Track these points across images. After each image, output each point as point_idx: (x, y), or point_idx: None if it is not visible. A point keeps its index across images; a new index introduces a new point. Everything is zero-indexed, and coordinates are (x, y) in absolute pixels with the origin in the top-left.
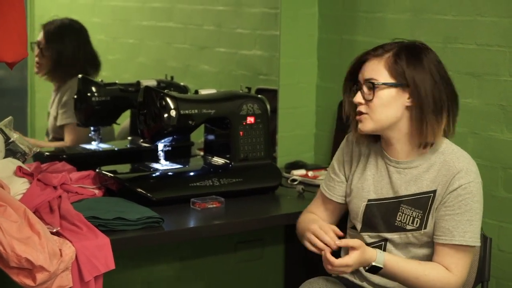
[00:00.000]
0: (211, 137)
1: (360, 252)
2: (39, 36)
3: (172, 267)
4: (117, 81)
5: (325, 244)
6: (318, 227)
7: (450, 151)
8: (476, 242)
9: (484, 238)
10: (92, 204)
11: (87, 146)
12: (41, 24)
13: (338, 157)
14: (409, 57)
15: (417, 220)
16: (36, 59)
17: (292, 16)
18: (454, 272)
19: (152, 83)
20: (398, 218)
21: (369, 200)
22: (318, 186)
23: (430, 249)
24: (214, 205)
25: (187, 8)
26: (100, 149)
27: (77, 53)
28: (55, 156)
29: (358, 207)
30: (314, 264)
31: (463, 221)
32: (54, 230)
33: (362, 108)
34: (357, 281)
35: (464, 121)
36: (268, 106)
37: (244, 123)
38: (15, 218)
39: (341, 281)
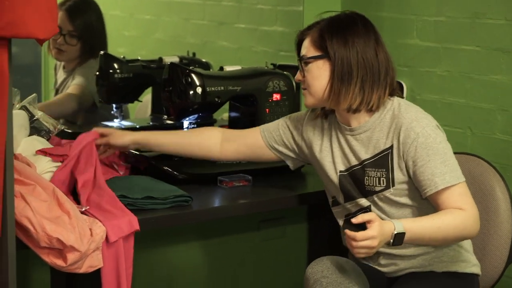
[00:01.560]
0: (236, 114)
1: (379, 222)
2: (63, 23)
3: (195, 246)
4: (139, 57)
5: None
6: None
7: (397, 106)
8: (459, 178)
9: None
10: (120, 182)
11: (110, 123)
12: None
13: (294, 124)
14: (330, 29)
15: (383, 179)
16: (58, 45)
17: None
18: (465, 207)
19: (174, 59)
20: (366, 183)
21: (340, 172)
22: None
23: (413, 201)
24: (241, 184)
25: None
26: (123, 127)
27: (101, 28)
28: (77, 134)
29: (334, 180)
30: (337, 242)
31: (437, 165)
32: (83, 209)
33: (302, 85)
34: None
35: (492, 97)
36: (294, 83)
37: (270, 100)
38: (45, 197)
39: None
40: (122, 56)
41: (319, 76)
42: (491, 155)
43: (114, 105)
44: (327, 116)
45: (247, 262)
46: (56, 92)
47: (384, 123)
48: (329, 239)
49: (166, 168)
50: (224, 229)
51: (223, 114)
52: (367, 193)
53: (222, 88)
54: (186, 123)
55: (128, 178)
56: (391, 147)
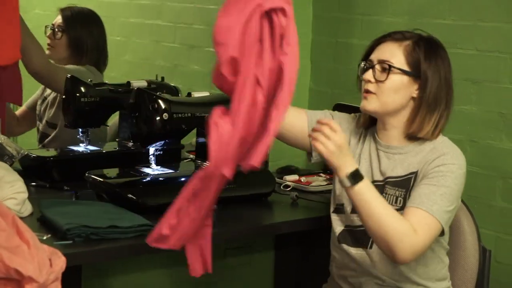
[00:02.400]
0: (203, 140)
1: (345, 139)
2: (57, 19)
3: (160, 275)
4: (106, 81)
5: None
6: None
7: (440, 141)
8: (441, 219)
9: (483, 250)
10: (82, 210)
11: (75, 148)
12: (58, 8)
13: (347, 124)
14: (428, 50)
15: (400, 200)
16: (49, 41)
17: None
18: (418, 232)
19: (142, 84)
20: None
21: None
22: (311, 192)
23: None
24: None
25: (177, 6)
26: (88, 151)
27: (94, 43)
28: (42, 158)
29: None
30: (304, 273)
31: (436, 193)
32: (44, 238)
33: (371, 87)
34: None
35: (462, 128)
36: None
37: None
38: (3, 226)
39: None
40: (89, 80)
41: (399, 90)
42: None
43: (80, 130)
44: (368, 127)
45: None
46: (44, 100)
47: (422, 152)
48: (296, 268)
49: (130, 196)
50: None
51: (193, 139)
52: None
53: (189, 114)
54: (152, 150)
55: (88, 205)
56: (417, 172)
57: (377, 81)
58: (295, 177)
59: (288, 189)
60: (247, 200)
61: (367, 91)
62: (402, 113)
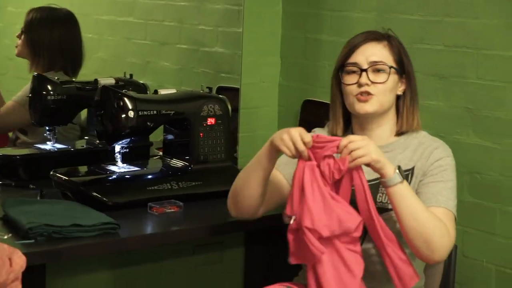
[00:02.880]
0: (170, 137)
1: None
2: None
3: (127, 272)
4: (74, 79)
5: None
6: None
7: (423, 135)
8: (456, 212)
9: None
10: (45, 209)
11: (42, 146)
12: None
13: None
14: (401, 46)
15: None
16: (18, 40)
17: (255, 13)
18: (449, 230)
19: (110, 81)
20: (379, 199)
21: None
22: None
23: None
24: (172, 210)
25: (148, 2)
26: (55, 150)
27: (56, 47)
28: (8, 157)
29: None
30: (274, 269)
31: (446, 188)
32: (5, 237)
33: (370, 89)
34: None
35: (429, 123)
36: (229, 107)
37: (204, 124)
38: None
39: None
40: (56, 78)
41: (393, 89)
42: None
43: (47, 128)
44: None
45: None
46: None
47: (409, 146)
48: (267, 264)
49: (95, 194)
50: (157, 254)
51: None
52: (378, 210)
53: (155, 112)
54: (118, 147)
55: (52, 203)
56: (413, 168)
57: (374, 82)
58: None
59: None
60: (214, 197)
61: (367, 93)
62: (389, 111)
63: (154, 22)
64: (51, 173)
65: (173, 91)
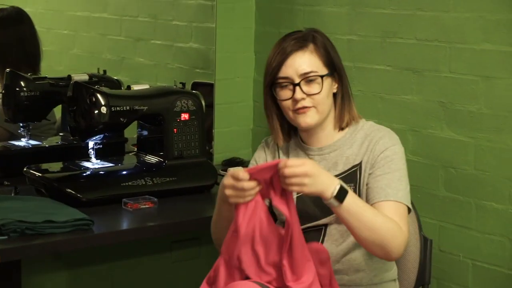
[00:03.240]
0: (144, 133)
1: (313, 163)
2: None
3: (104, 269)
4: (47, 75)
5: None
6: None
7: (368, 126)
8: (408, 202)
9: (424, 240)
10: (18, 205)
11: (16, 143)
12: None
13: (260, 157)
14: (330, 45)
15: None
16: None
17: (228, 8)
18: (400, 225)
19: (83, 77)
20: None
21: (298, 192)
22: None
23: None
24: (146, 206)
25: None
26: (30, 146)
27: (10, 46)
28: None
29: None
30: None
31: (394, 179)
32: None
33: (306, 103)
34: None
35: (403, 118)
36: (203, 102)
37: (178, 120)
38: None
39: None
40: (29, 74)
41: (329, 93)
42: None
43: (21, 124)
44: (281, 143)
45: (160, 284)
46: None
47: (355, 141)
48: None
49: (69, 190)
50: (134, 251)
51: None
52: (330, 211)
53: (128, 107)
54: (91, 143)
55: (27, 199)
56: (361, 162)
57: (309, 95)
58: (239, 168)
59: None
60: (189, 192)
61: (304, 107)
62: (330, 113)
63: (129, 18)
64: (25, 169)
65: (146, 86)
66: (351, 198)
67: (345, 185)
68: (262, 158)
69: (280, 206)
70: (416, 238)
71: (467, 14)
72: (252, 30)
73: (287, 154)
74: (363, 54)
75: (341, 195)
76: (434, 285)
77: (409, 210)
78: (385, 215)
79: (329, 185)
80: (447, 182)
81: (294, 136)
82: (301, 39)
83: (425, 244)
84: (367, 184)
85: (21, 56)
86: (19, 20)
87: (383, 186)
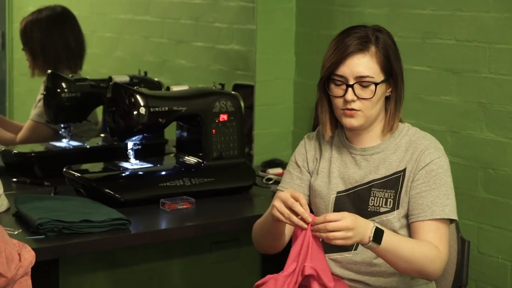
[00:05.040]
0: (183, 134)
1: (349, 214)
2: None
3: (142, 269)
4: (88, 77)
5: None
6: (288, 194)
7: (413, 132)
8: (455, 215)
9: (462, 241)
10: (57, 205)
11: (57, 144)
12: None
13: (300, 154)
14: (392, 49)
15: (390, 201)
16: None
17: (268, 10)
18: (440, 247)
19: (124, 79)
20: (371, 203)
21: (338, 192)
22: None
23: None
24: (184, 206)
25: (165, 1)
26: (71, 147)
27: (53, 45)
28: (23, 154)
29: (327, 202)
30: None
31: (440, 195)
32: (15, 233)
33: (355, 105)
34: None
35: (442, 119)
36: (242, 103)
37: (216, 121)
38: None
39: None
40: (70, 75)
41: (380, 99)
42: None
43: (62, 125)
44: (328, 136)
45: (199, 285)
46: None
47: (400, 146)
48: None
49: (107, 190)
50: (174, 251)
51: None
52: (368, 214)
53: (167, 108)
54: (130, 144)
55: (66, 199)
56: (404, 170)
57: (360, 98)
58: (278, 170)
59: (271, 182)
60: (227, 193)
61: (352, 109)
62: (378, 116)
63: (171, 21)
64: (64, 170)
65: (185, 87)
66: (387, 237)
67: (379, 226)
68: (301, 155)
69: None
70: (454, 240)
71: (506, 14)
72: (293, 32)
73: (329, 152)
74: (402, 55)
75: (377, 237)
76: (472, 287)
77: (453, 220)
78: (423, 243)
79: (366, 230)
80: (486, 183)
81: (339, 132)
82: (364, 40)
83: (463, 245)
84: (410, 198)
85: (64, 55)
86: (64, 20)
87: (429, 203)
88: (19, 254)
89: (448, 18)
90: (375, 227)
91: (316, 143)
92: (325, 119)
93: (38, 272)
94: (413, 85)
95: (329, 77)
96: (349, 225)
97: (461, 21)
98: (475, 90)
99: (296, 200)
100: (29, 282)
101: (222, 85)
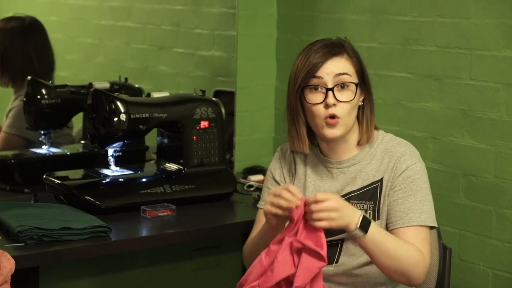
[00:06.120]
0: (164, 141)
1: (337, 197)
2: None
3: (123, 277)
4: (68, 83)
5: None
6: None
7: (388, 140)
8: (433, 222)
9: (443, 248)
10: (37, 212)
11: (37, 150)
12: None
13: (276, 169)
14: (359, 56)
15: (370, 212)
16: None
17: (250, 16)
18: (423, 252)
19: (104, 85)
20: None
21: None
22: None
23: None
24: (165, 213)
25: (146, 7)
26: (51, 154)
27: (13, 59)
28: (3, 161)
29: None
30: None
31: (416, 202)
32: None
33: (336, 110)
34: None
35: (424, 125)
36: (223, 110)
37: (197, 128)
38: None
39: None
40: (50, 82)
41: (356, 105)
42: None
43: (42, 131)
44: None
45: None
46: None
47: (375, 155)
48: None
49: (87, 197)
50: (154, 259)
51: None
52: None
53: (147, 115)
54: (111, 151)
55: (45, 206)
56: (381, 179)
57: (340, 101)
58: (259, 177)
59: (252, 189)
60: (208, 200)
61: (333, 117)
62: (353, 126)
63: (152, 27)
64: (44, 176)
65: (166, 94)
66: (374, 228)
67: (367, 216)
68: (278, 171)
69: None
70: (435, 247)
71: (487, 21)
72: (274, 38)
73: (304, 165)
74: (384, 62)
75: (365, 225)
76: None
77: (433, 227)
78: (407, 243)
79: (354, 217)
80: (468, 190)
81: (312, 145)
82: (335, 46)
83: (445, 252)
84: (388, 205)
85: (25, 72)
86: (29, 34)
87: (406, 210)
88: None
89: (429, 24)
90: (362, 215)
91: (291, 157)
92: (303, 134)
93: (18, 280)
94: (394, 91)
95: (305, 85)
96: (333, 205)
97: (442, 28)
98: (456, 96)
99: (285, 188)
100: None
101: (203, 92)
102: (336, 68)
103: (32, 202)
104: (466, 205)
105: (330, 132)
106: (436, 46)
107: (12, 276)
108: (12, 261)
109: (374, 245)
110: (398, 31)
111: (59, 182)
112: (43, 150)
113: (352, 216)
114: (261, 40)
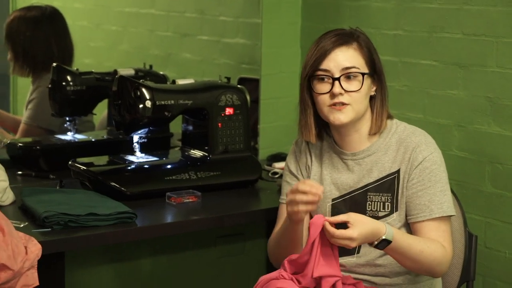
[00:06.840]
0: (189, 128)
1: (359, 224)
2: None
3: (148, 263)
4: (93, 70)
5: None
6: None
7: (402, 129)
8: (453, 211)
9: (469, 236)
10: (62, 198)
11: (62, 137)
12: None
13: (292, 163)
14: (373, 48)
15: (388, 204)
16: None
17: (274, 4)
18: (445, 245)
19: (129, 72)
20: (369, 208)
21: (333, 200)
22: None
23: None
24: (190, 200)
25: None
26: (76, 140)
27: (34, 49)
28: (29, 147)
29: (323, 210)
30: None
31: (436, 193)
32: (21, 226)
33: (343, 99)
34: None
35: (449, 113)
36: (248, 97)
37: (222, 114)
38: None
39: None
40: (76, 68)
41: (367, 94)
42: (447, 171)
43: (67, 118)
44: (319, 140)
45: (204, 279)
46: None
47: (390, 146)
48: None
49: (113, 184)
50: (178, 245)
51: None
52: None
53: (173, 101)
54: (136, 137)
55: (72, 192)
56: (398, 171)
57: (348, 91)
58: (284, 164)
59: (276, 176)
60: (233, 187)
61: (342, 104)
62: (365, 114)
63: (176, 14)
64: (70, 163)
65: (191, 81)
66: (397, 235)
67: (390, 228)
68: (293, 164)
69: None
70: (461, 234)
71: None
72: (298, 25)
73: (319, 158)
74: (409, 49)
75: (381, 245)
76: (479, 282)
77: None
78: (431, 243)
79: (375, 235)
80: (494, 177)
81: (327, 137)
82: (345, 36)
83: (470, 240)
84: (407, 198)
85: (45, 61)
86: (50, 23)
87: (426, 202)
88: (25, 247)
89: (455, 12)
90: (383, 238)
91: (306, 150)
92: (310, 122)
93: (44, 265)
94: (420, 79)
95: (312, 75)
96: (353, 236)
97: (468, 15)
98: (482, 84)
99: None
100: (35, 275)
101: (228, 79)
102: (342, 59)
103: (57, 188)
104: (492, 192)
105: (336, 117)
106: (462, 34)
107: (38, 261)
108: (39, 246)
109: (397, 252)
110: (424, 19)
111: (84, 168)
112: (68, 136)
113: (373, 234)
114: (285, 27)
